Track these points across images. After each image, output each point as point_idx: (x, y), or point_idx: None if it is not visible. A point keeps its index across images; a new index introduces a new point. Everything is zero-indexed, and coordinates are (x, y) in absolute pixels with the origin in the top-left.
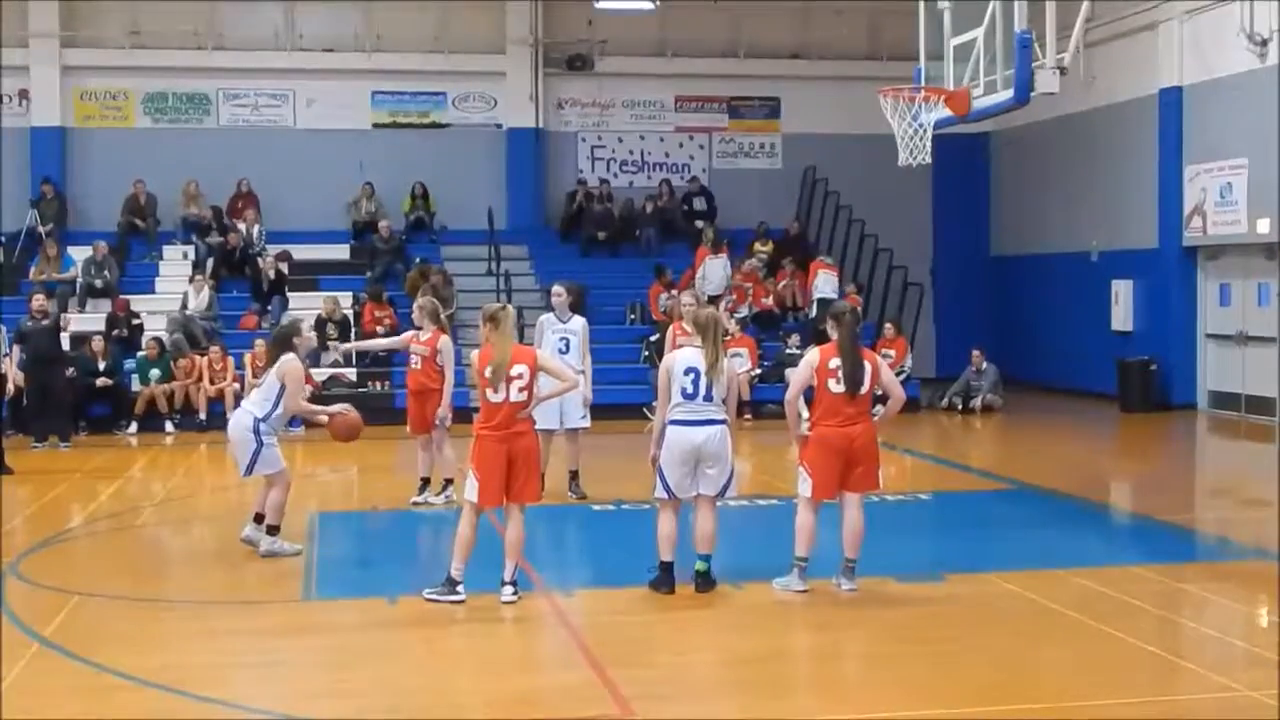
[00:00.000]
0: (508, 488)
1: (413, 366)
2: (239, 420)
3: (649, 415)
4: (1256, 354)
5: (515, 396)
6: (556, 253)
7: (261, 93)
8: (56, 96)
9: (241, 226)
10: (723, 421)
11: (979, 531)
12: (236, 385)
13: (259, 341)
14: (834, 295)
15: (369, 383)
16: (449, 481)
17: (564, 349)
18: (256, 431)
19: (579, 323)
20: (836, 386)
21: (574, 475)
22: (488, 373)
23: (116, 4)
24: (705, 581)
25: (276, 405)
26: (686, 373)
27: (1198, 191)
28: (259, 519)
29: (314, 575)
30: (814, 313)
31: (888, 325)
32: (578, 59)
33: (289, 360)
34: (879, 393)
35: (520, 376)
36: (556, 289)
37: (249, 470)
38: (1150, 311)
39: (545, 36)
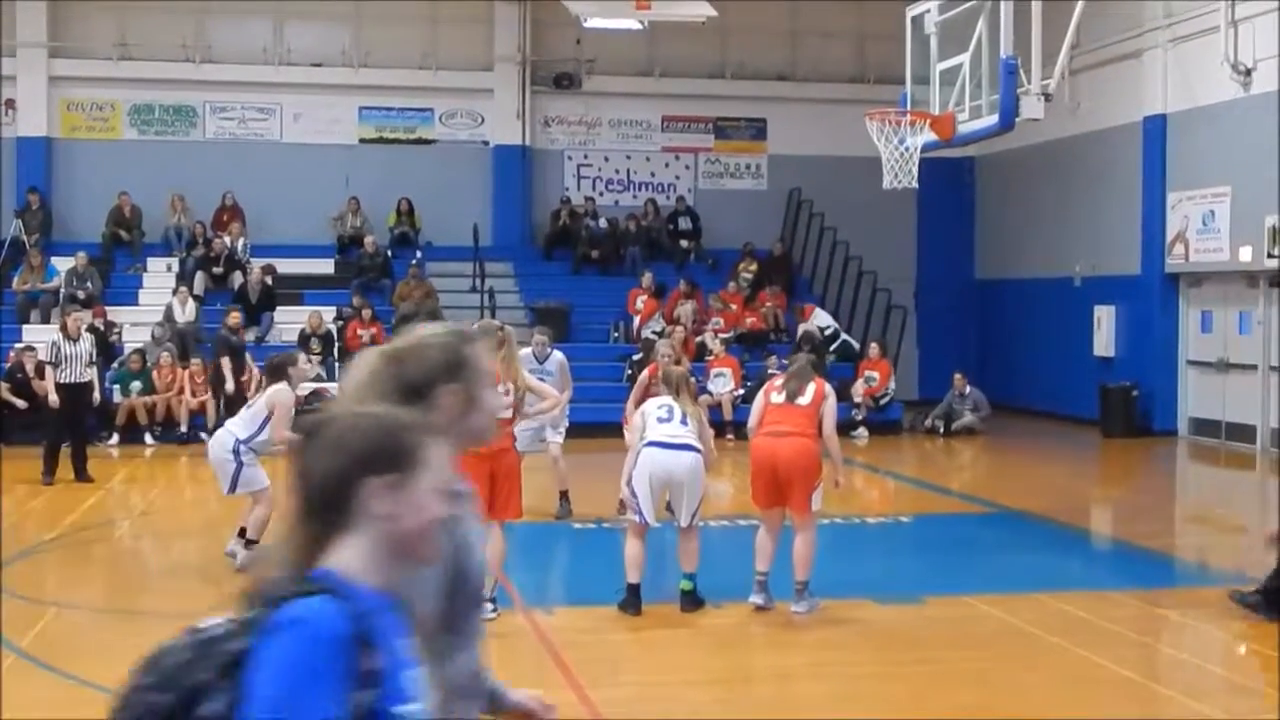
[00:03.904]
0: (489, 505)
1: None
2: (219, 440)
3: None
4: (1237, 381)
5: (501, 413)
6: (541, 270)
7: (249, 106)
8: (43, 107)
9: (226, 239)
10: (698, 450)
11: (959, 554)
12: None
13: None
14: (821, 325)
15: None
16: None
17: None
18: (236, 452)
19: (555, 361)
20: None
21: (564, 495)
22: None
23: (104, 15)
24: (691, 601)
25: (260, 430)
26: (660, 407)
27: (1180, 219)
28: (243, 533)
29: None
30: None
31: (872, 346)
32: (565, 77)
33: (281, 391)
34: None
35: (505, 394)
36: (539, 337)
37: (231, 488)
38: (1132, 337)
39: (533, 54)
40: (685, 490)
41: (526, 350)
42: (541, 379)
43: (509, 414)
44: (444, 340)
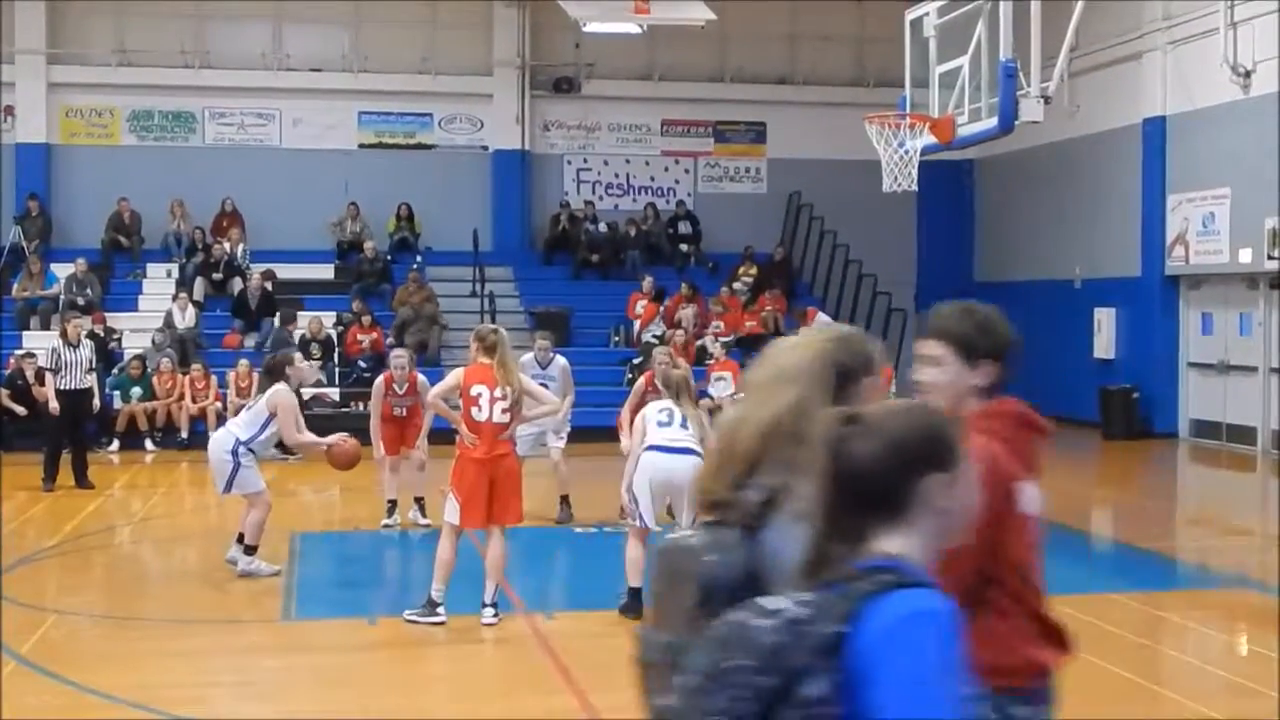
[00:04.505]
0: (489, 510)
1: (398, 414)
2: (219, 440)
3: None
4: (1238, 383)
5: (498, 417)
6: (541, 275)
7: (248, 112)
8: (42, 113)
9: (225, 245)
10: (698, 454)
11: None
12: (218, 404)
13: (243, 361)
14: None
15: (351, 403)
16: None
17: None
18: (235, 453)
19: (558, 367)
20: None
21: (565, 500)
22: (498, 392)
23: (103, 21)
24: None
25: (261, 431)
26: (661, 411)
27: (1180, 221)
28: (242, 539)
29: (294, 595)
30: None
31: None
32: (564, 81)
33: (280, 391)
34: None
35: (503, 398)
36: (541, 342)
37: (226, 489)
38: (1132, 339)
39: (532, 59)
40: (686, 494)
41: (529, 356)
42: (544, 385)
43: (506, 418)
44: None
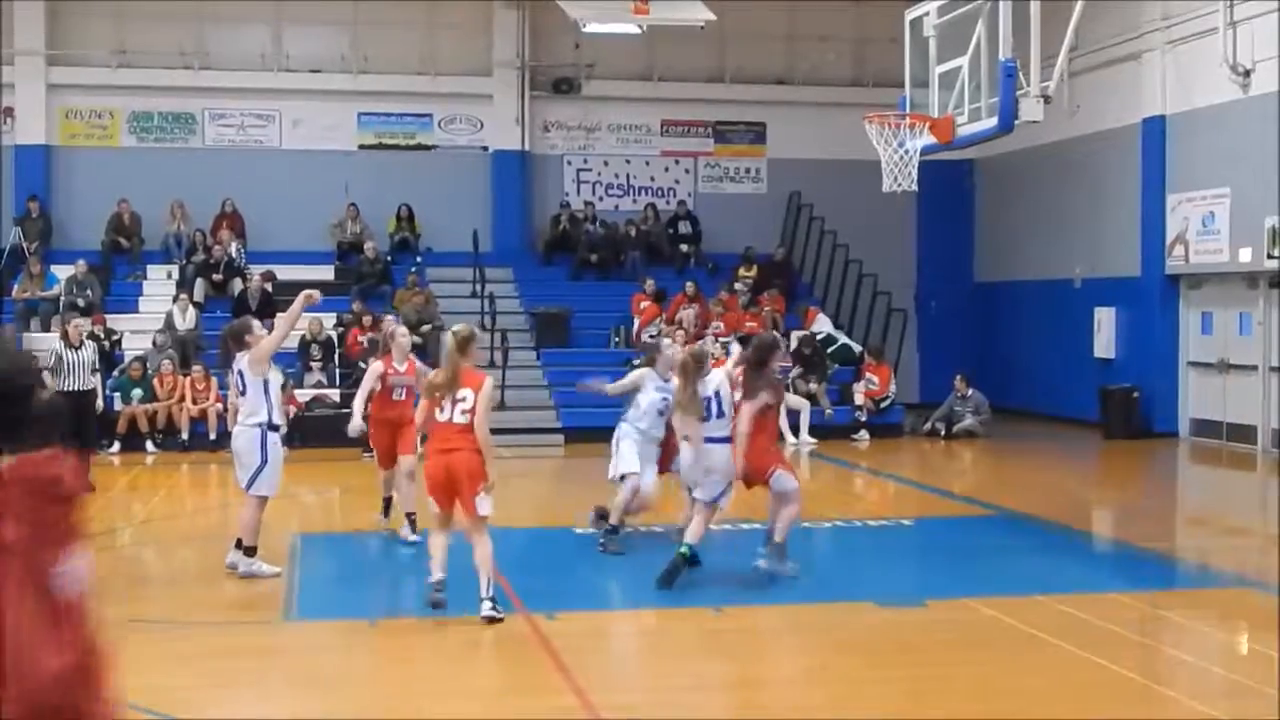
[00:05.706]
0: (460, 503)
1: (396, 397)
2: (247, 436)
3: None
4: (1238, 382)
5: (458, 418)
6: (541, 275)
7: (247, 113)
8: (42, 115)
9: (222, 246)
10: (726, 440)
11: (960, 557)
12: (219, 406)
13: None
14: (814, 330)
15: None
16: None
17: (664, 409)
18: (264, 446)
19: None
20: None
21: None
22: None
23: (103, 22)
24: (688, 562)
25: (269, 398)
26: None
27: (1180, 220)
28: (240, 544)
29: (295, 596)
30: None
31: (868, 358)
32: (564, 82)
33: (249, 353)
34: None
35: (463, 399)
36: (671, 343)
37: (249, 485)
38: (1132, 339)
39: (532, 59)
40: (720, 475)
41: (646, 370)
42: (666, 399)
43: (465, 419)
44: None
